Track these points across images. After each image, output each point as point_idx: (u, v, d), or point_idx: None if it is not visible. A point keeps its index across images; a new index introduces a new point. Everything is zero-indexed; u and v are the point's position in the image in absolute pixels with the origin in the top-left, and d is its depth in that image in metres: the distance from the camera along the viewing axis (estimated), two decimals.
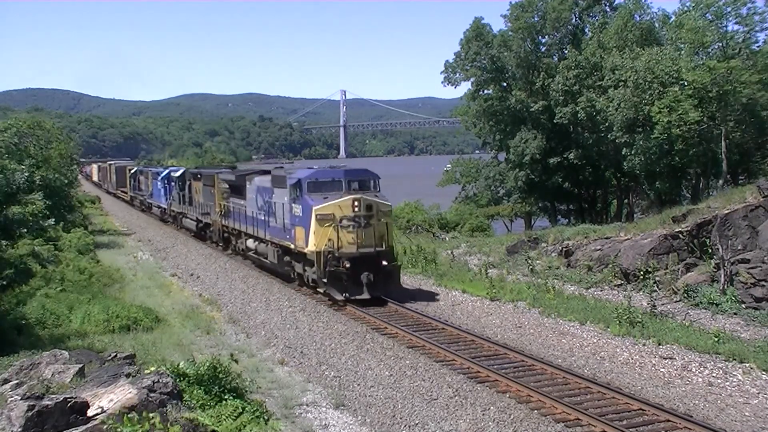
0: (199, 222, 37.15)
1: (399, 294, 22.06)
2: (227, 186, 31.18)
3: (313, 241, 20.80)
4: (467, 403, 13.01)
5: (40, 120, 46.54)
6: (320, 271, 20.70)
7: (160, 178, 47.47)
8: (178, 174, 42.27)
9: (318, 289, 21.69)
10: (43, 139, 39.91)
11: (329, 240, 20.54)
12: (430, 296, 22.98)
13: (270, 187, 24.73)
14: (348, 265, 20.38)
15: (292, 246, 22.43)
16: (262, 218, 25.55)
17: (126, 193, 67.53)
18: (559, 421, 12.07)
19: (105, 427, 8.06)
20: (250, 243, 27.80)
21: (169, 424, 8.28)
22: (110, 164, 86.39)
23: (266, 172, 27.13)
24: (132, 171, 64.18)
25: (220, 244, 33.86)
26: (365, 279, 20.53)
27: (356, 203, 20.63)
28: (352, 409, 12.90)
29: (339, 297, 20.57)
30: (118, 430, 7.92)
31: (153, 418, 8.25)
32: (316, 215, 20.60)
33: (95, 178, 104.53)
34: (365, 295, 20.54)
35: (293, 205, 22.03)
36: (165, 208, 46.71)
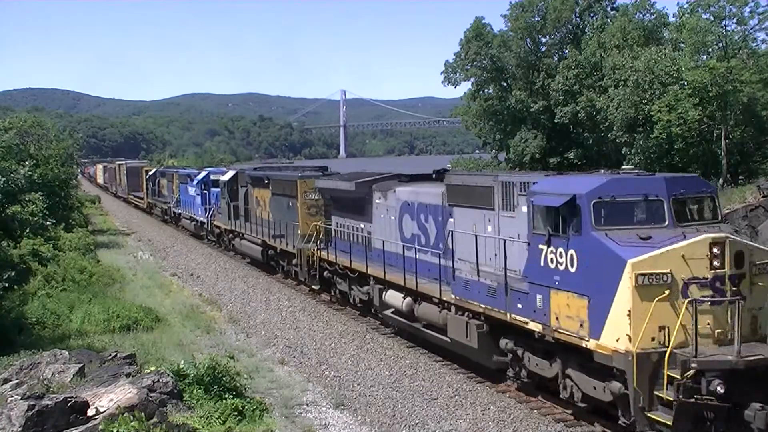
0: (267, 248, 26.37)
1: None
2: (322, 198, 22.01)
3: (622, 329, 10.14)
4: (467, 402, 13.02)
5: (40, 120, 46.53)
6: (643, 395, 9.95)
7: (195, 182, 37.92)
8: (226, 178, 32.24)
9: None
10: (43, 138, 39.94)
11: (663, 329, 10.01)
12: None
13: (441, 206, 14.95)
14: (721, 390, 9.39)
15: (537, 327, 11.78)
16: (425, 258, 15.47)
17: (142, 199, 57.65)
18: (559, 420, 12.07)
19: (101, 427, 8.10)
20: (393, 298, 16.93)
21: (165, 424, 8.31)
22: (120, 164, 73.83)
23: (421, 178, 17.63)
24: (150, 173, 53.99)
25: (314, 286, 22.59)
26: (759, 419, 9.47)
27: (717, 251, 10.16)
28: (352, 409, 12.90)
29: None
30: (114, 430, 7.94)
31: (144, 418, 8.30)
32: (636, 276, 10.01)
33: (100, 180, 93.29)
34: None
35: (549, 248, 11.40)
36: (202, 222, 36.84)
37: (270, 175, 26.74)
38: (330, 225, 20.97)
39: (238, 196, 30.25)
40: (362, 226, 18.84)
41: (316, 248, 21.59)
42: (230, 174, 32.34)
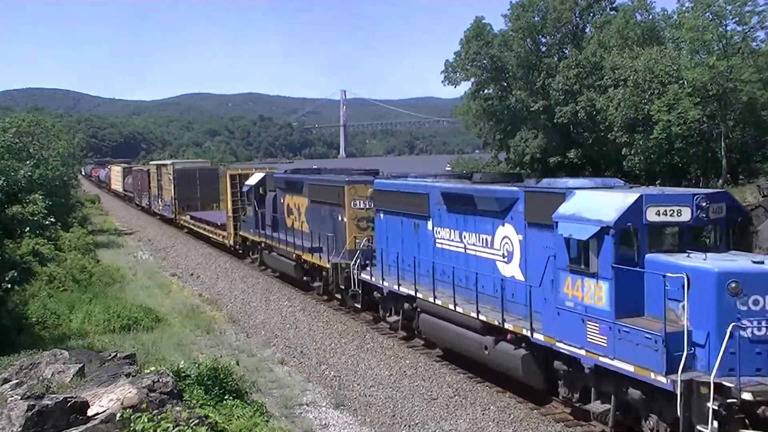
0: None
1: None
2: None
3: None
4: (467, 402, 13.01)
5: (40, 119, 46.47)
6: None
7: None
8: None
9: None
10: (43, 138, 39.90)
11: None
12: None
13: None
14: None
15: None
16: None
17: (222, 228, 32.95)
18: (559, 420, 12.07)
19: (118, 417, 8.10)
20: None
21: (189, 425, 8.27)
22: (160, 165, 48.67)
23: None
24: (255, 180, 28.24)
25: None
26: None
27: None
28: (352, 409, 12.90)
29: None
30: (130, 427, 7.92)
31: (167, 415, 8.29)
32: None
33: (118, 186, 72.82)
34: None
35: None
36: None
37: None
38: None
39: None
40: None
41: None
42: None
